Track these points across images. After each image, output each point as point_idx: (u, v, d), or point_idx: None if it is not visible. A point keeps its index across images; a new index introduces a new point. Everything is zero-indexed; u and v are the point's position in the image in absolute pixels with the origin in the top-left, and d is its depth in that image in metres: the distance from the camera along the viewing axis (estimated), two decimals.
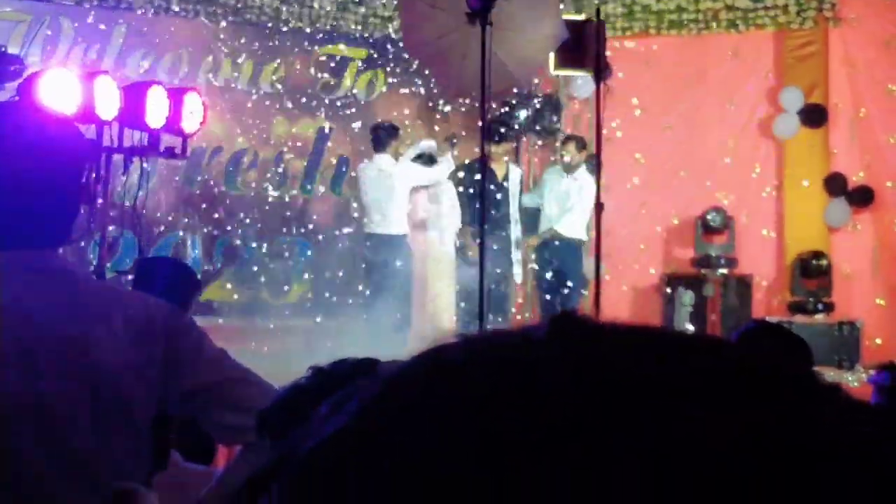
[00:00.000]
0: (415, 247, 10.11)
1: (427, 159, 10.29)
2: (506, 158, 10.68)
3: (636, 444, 0.50)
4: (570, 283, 10.24)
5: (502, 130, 10.44)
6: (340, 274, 10.93)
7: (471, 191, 10.15)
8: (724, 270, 10.92)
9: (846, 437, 0.53)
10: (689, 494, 0.49)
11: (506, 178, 10.47)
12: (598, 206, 7.46)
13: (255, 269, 11.09)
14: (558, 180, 10.48)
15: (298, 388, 1.79)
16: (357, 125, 11.45)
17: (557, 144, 11.15)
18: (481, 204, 7.12)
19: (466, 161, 10.61)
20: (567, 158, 10.47)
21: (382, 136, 10.11)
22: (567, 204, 10.27)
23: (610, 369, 0.54)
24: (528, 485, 0.50)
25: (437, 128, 11.48)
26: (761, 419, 0.52)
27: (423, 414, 0.54)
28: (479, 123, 7.20)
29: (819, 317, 10.65)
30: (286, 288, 11.25)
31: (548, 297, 10.40)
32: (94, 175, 6.24)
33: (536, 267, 10.66)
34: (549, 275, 10.40)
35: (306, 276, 11.27)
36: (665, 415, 0.52)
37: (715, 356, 0.58)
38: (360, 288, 10.34)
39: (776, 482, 0.49)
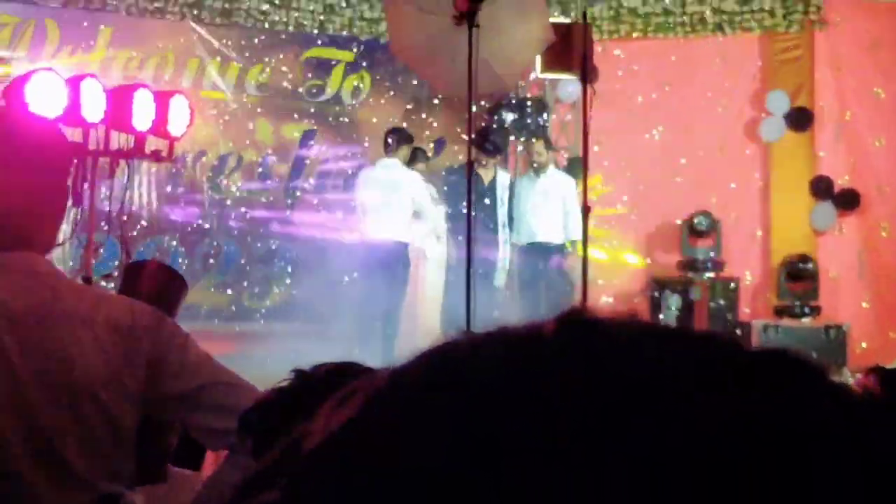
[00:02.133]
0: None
1: (422, 155, 10.27)
2: (493, 163, 10.65)
3: (631, 450, 0.51)
4: (554, 288, 10.22)
5: (493, 142, 10.41)
6: (325, 277, 10.88)
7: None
8: (710, 274, 10.94)
9: (836, 420, 0.54)
10: (685, 487, 0.50)
11: (493, 182, 10.45)
12: (585, 210, 7.46)
13: (239, 272, 11.07)
14: (531, 186, 10.47)
15: (280, 391, 1.79)
16: (343, 128, 11.46)
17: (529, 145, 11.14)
18: (468, 209, 7.10)
19: (455, 166, 10.59)
20: (537, 159, 10.49)
21: (396, 140, 10.03)
22: (542, 209, 10.27)
23: (618, 374, 0.55)
24: (529, 489, 0.50)
25: (424, 131, 11.48)
26: (752, 403, 0.53)
27: (428, 412, 0.55)
28: (467, 127, 7.18)
29: (805, 320, 10.68)
30: (270, 291, 11.22)
31: (532, 302, 10.36)
32: (80, 178, 6.22)
33: (521, 272, 10.63)
34: (533, 279, 10.39)
35: (289, 280, 11.24)
36: (664, 420, 0.52)
37: (716, 354, 0.57)
38: (348, 292, 10.27)
39: (768, 464, 0.50)
